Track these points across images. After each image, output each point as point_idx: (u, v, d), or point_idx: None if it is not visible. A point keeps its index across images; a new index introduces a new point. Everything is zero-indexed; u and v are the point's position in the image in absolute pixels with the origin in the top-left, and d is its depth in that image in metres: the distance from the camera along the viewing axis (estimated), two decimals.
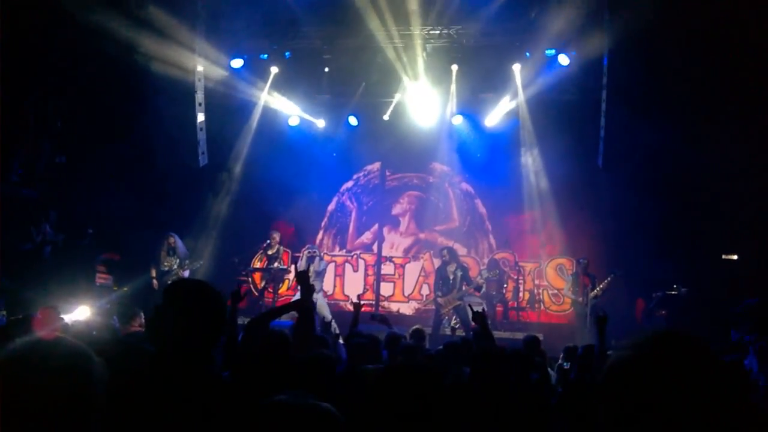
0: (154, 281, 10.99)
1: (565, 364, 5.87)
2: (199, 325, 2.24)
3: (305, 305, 4.02)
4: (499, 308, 12.10)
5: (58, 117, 11.47)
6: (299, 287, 4.26)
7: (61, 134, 11.71)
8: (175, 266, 11.07)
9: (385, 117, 12.84)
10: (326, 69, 12.58)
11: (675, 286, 11.26)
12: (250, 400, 3.52)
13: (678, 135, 10.48)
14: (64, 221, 11.55)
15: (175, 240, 11.23)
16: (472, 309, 5.08)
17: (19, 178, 11.42)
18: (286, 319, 7.64)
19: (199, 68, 11.86)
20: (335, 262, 13.80)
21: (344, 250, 14.05)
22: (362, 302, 7.36)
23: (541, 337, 9.27)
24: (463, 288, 10.93)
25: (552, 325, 12.46)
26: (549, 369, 6.51)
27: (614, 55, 11.10)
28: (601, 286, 11.01)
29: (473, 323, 5.34)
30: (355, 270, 13.83)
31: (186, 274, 11.03)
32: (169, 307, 2.26)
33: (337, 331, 7.20)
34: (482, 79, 12.44)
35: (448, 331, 11.05)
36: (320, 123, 13.32)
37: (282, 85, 12.79)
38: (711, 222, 10.91)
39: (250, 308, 11.57)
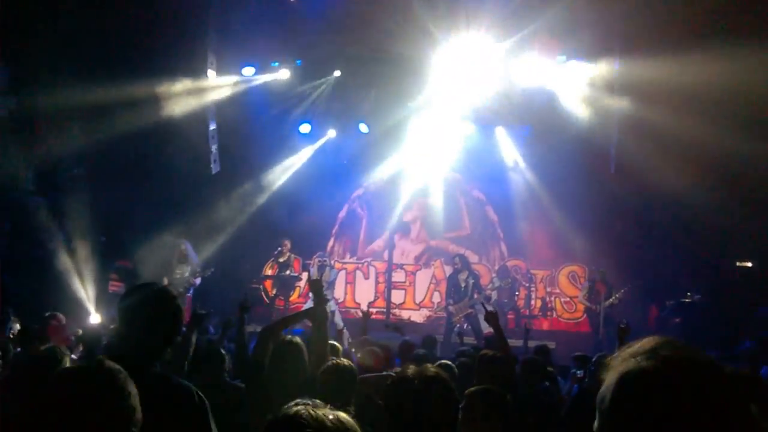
0: None
1: (578, 372, 5.82)
2: (135, 329, 2.32)
3: (319, 314, 4.00)
4: (511, 316, 12.03)
5: (72, 125, 11.55)
6: (312, 295, 4.24)
7: (76, 143, 11.80)
8: (187, 274, 11.08)
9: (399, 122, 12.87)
10: (337, 73, 12.55)
11: (689, 293, 11.16)
12: (265, 407, 3.51)
13: (694, 140, 10.39)
14: (77, 229, 11.61)
15: (187, 248, 11.26)
16: (485, 307, 5.04)
17: (33, 185, 11.50)
18: (299, 326, 7.63)
19: (211, 75, 11.92)
20: (346, 269, 13.79)
21: (355, 258, 14.04)
22: (372, 310, 7.33)
23: (553, 345, 9.25)
24: (475, 296, 10.89)
25: (564, 333, 12.38)
26: (560, 378, 6.47)
27: (625, 59, 11.05)
28: (617, 295, 10.95)
29: (487, 326, 5.30)
30: (366, 277, 13.81)
31: (197, 281, 11.04)
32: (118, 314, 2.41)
33: (350, 339, 7.18)
34: (493, 85, 12.39)
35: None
36: (331, 133, 13.38)
37: (293, 92, 12.82)
38: (726, 229, 10.80)
39: (261, 316, 11.57)
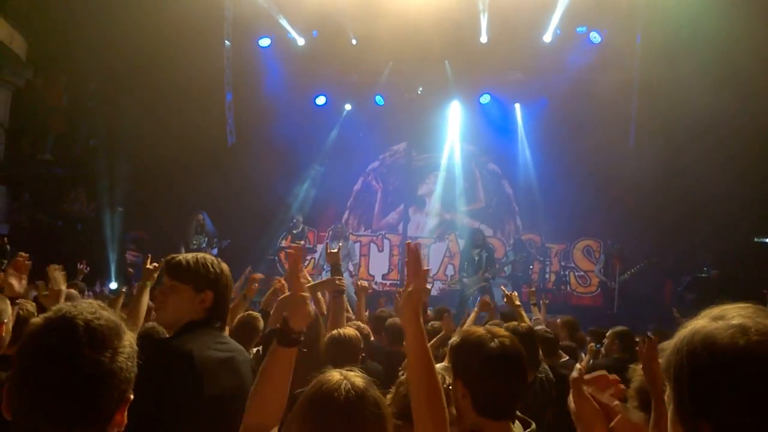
0: None
1: (597, 345, 5.84)
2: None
3: (336, 285, 4.03)
4: (525, 290, 12.04)
5: (89, 98, 11.61)
6: (329, 267, 4.28)
7: (93, 116, 11.87)
8: (204, 245, 11.19)
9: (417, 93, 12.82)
10: (353, 41, 12.43)
11: (705, 268, 11.09)
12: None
13: (712, 115, 10.24)
14: (94, 199, 11.74)
15: (204, 218, 11.35)
16: (505, 291, 5.10)
17: (52, 157, 11.61)
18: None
19: (228, 47, 11.88)
20: (361, 242, 13.84)
21: (370, 230, 14.08)
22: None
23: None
24: (488, 270, 10.92)
25: (578, 306, 12.38)
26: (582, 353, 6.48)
27: (648, 33, 10.86)
28: (632, 270, 10.93)
29: (500, 299, 5.35)
30: (381, 250, 13.86)
31: (214, 252, 11.14)
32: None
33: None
34: (511, 57, 12.24)
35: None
36: (347, 106, 13.38)
37: (309, 64, 12.75)
38: (744, 204, 10.68)
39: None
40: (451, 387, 2.48)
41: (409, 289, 1.76)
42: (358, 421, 1.47)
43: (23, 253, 3.33)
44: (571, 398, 1.45)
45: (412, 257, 1.84)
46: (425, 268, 1.79)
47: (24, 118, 11.16)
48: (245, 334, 4.39)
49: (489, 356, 1.94)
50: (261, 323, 4.44)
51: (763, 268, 10.28)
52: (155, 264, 4.06)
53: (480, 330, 2.05)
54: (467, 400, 1.94)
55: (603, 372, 1.48)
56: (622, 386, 1.46)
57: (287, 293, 4.07)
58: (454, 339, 2.10)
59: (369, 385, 1.55)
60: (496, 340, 1.97)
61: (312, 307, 1.85)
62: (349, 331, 3.75)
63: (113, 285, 10.61)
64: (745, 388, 0.96)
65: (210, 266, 2.41)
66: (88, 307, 1.25)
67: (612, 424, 1.41)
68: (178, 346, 2.18)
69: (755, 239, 11.23)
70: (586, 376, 1.46)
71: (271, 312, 4.21)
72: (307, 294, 1.87)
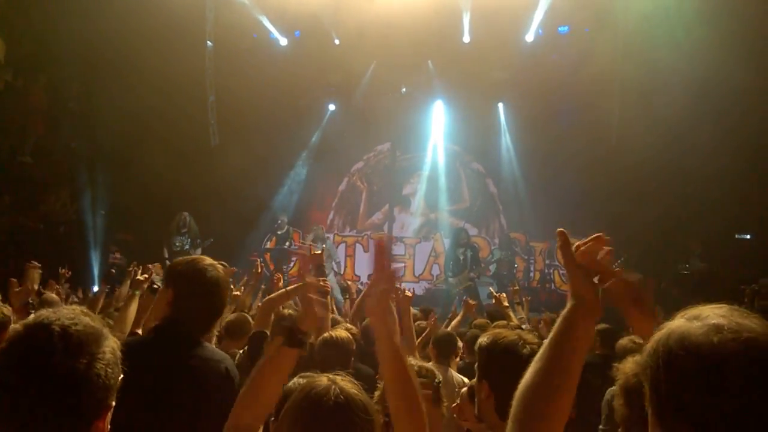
0: (167, 261, 11.06)
1: None
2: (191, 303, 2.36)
3: (320, 287, 4.00)
4: (510, 288, 12.09)
5: (70, 99, 11.49)
6: (312, 268, 4.25)
7: (74, 117, 11.74)
8: (187, 246, 11.12)
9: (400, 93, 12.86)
10: (336, 41, 12.44)
11: (687, 265, 11.20)
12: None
13: (693, 113, 10.35)
14: (76, 202, 11.62)
15: (187, 220, 11.29)
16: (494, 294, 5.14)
17: (33, 159, 11.47)
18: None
19: (210, 48, 11.82)
20: (346, 242, 13.83)
21: (355, 231, 14.07)
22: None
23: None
24: (473, 269, 10.97)
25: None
26: None
27: (630, 32, 10.95)
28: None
29: (486, 298, 5.38)
30: (366, 250, 13.84)
31: (198, 253, 11.08)
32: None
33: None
34: (494, 57, 12.30)
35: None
36: (331, 107, 13.40)
37: (292, 65, 12.72)
38: (724, 201, 10.81)
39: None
40: (440, 383, 2.49)
41: (381, 287, 1.63)
42: (346, 426, 1.47)
43: None
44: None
45: (379, 252, 1.70)
46: (397, 265, 1.73)
47: (3, 120, 11.02)
48: (235, 334, 4.39)
49: (520, 362, 1.92)
50: (250, 324, 4.42)
51: (742, 264, 10.41)
52: (145, 275, 4.05)
53: (511, 335, 2.06)
54: (490, 402, 1.95)
55: (599, 234, 1.47)
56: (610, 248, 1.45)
57: (273, 294, 4.06)
58: (483, 340, 2.09)
59: (357, 390, 1.55)
60: (528, 346, 1.98)
61: (321, 310, 1.80)
62: (341, 333, 3.73)
63: (96, 289, 10.50)
64: (718, 384, 0.98)
65: (182, 263, 2.41)
66: (68, 313, 1.23)
67: (606, 285, 1.43)
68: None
69: (736, 236, 11.37)
70: (581, 241, 1.44)
71: (256, 314, 4.19)
72: (315, 296, 1.79)
